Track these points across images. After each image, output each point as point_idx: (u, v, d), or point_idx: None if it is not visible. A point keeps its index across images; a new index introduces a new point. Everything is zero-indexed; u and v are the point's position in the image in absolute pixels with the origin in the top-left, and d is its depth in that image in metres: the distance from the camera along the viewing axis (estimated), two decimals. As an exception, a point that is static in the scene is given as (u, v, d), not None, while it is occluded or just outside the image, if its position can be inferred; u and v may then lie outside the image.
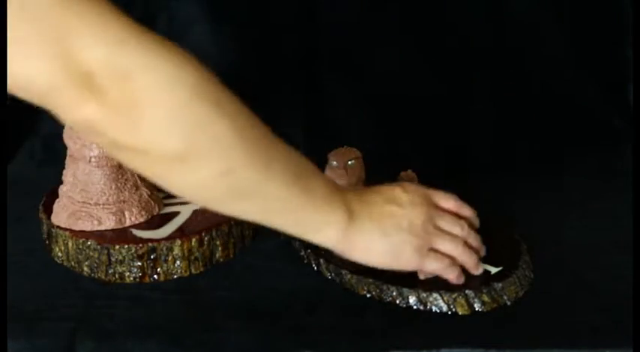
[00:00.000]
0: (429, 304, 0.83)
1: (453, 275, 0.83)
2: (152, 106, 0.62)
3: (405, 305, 0.84)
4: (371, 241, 0.78)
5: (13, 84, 0.62)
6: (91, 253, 0.90)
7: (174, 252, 0.90)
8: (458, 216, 0.85)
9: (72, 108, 0.62)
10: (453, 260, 0.83)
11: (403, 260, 0.80)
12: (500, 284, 0.85)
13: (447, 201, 0.85)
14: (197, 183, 0.68)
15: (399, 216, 0.79)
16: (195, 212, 0.96)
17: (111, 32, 0.62)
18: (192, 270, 0.91)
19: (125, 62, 0.61)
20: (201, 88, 0.65)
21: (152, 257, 0.89)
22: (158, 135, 0.63)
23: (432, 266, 0.82)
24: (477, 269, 0.85)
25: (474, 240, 0.86)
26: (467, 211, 0.86)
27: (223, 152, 0.66)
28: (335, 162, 0.95)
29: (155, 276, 0.90)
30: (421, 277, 0.85)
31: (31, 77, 0.61)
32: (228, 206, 0.72)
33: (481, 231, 0.91)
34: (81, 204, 0.92)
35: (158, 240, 0.89)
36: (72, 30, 0.60)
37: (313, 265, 0.92)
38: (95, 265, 0.90)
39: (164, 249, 0.89)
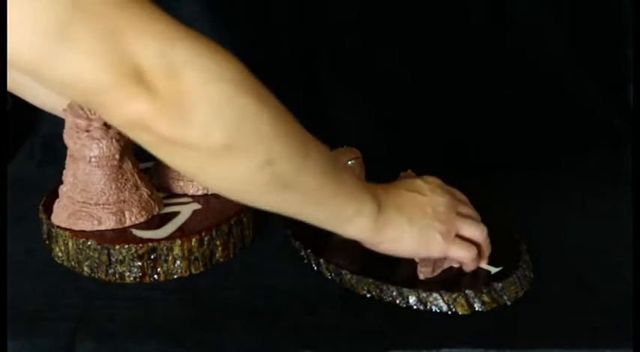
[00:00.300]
0: (429, 304, 0.83)
1: (472, 267, 0.86)
2: (199, 101, 0.64)
3: (405, 305, 0.84)
4: (400, 231, 0.80)
5: (59, 82, 0.63)
6: (91, 253, 0.90)
7: (174, 252, 0.90)
8: None
9: (121, 105, 0.63)
10: (477, 249, 0.85)
11: (431, 246, 0.82)
12: (500, 284, 0.85)
13: (459, 194, 0.87)
14: (238, 175, 0.69)
15: (423, 204, 0.82)
16: (195, 212, 0.96)
17: (160, 30, 0.64)
18: (192, 270, 0.91)
19: (174, 59, 0.63)
20: (244, 83, 0.67)
21: (152, 257, 0.89)
22: (204, 130, 0.65)
23: (459, 253, 0.84)
24: (485, 261, 0.87)
25: None
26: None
27: (265, 144, 0.68)
28: (335, 162, 0.95)
29: (155, 276, 0.90)
30: (421, 277, 0.85)
31: (80, 75, 0.62)
32: (265, 198, 0.74)
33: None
34: (81, 204, 0.92)
35: (158, 240, 0.89)
36: (123, 27, 0.62)
37: (313, 265, 0.92)
38: (95, 265, 0.90)
39: (164, 249, 0.89)
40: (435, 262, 0.86)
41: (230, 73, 0.66)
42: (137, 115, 0.63)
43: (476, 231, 0.85)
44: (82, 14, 0.61)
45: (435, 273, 0.86)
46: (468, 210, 0.86)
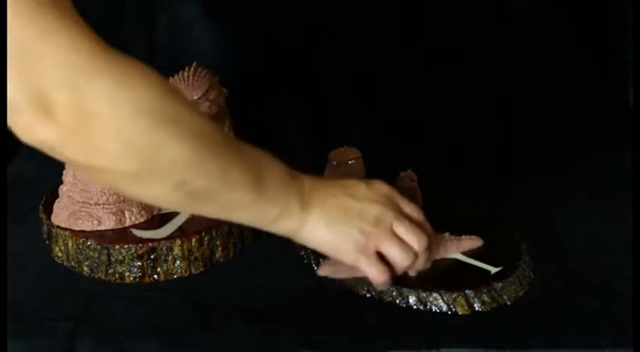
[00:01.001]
0: (429, 304, 0.83)
1: (382, 287, 0.82)
2: (109, 137, 0.63)
3: (405, 305, 0.84)
4: (316, 228, 0.77)
5: None
6: (91, 253, 0.90)
7: (174, 252, 0.90)
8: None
9: (30, 128, 0.63)
10: (392, 270, 0.79)
11: (343, 252, 0.79)
12: (500, 284, 0.85)
13: (412, 211, 0.81)
14: (152, 195, 0.71)
15: (351, 210, 0.78)
16: (195, 212, 0.96)
17: (79, 60, 0.62)
18: (192, 270, 0.91)
19: (87, 92, 0.62)
20: (163, 113, 0.66)
21: (152, 257, 0.89)
22: (113, 161, 0.65)
23: (368, 271, 0.79)
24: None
25: (424, 260, 0.82)
26: (427, 229, 0.82)
27: (177, 169, 0.68)
28: (335, 162, 0.95)
29: (155, 276, 0.90)
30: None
31: None
32: (188, 209, 0.76)
33: (481, 231, 0.91)
34: (81, 204, 0.92)
35: (158, 240, 0.89)
36: (43, 53, 0.61)
37: (313, 265, 0.92)
38: (95, 265, 0.90)
39: (164, 249, 0.89)
40: (342, 265, 0.82)
41: (149, 103, 0.65)
42: (45, 142, 0.63)
43: (398, 256, 0.79)
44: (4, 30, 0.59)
45: (338, 275, 0.85)
46: (404, 230, 0.79)
